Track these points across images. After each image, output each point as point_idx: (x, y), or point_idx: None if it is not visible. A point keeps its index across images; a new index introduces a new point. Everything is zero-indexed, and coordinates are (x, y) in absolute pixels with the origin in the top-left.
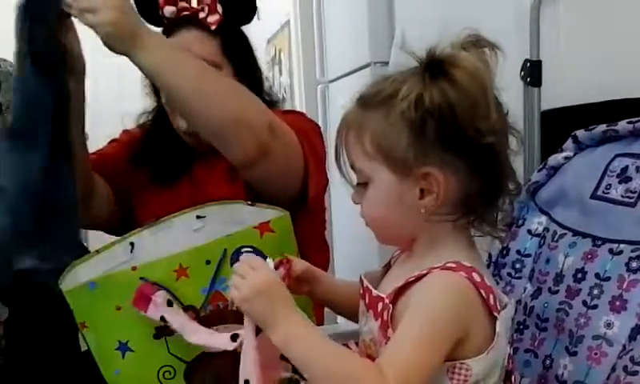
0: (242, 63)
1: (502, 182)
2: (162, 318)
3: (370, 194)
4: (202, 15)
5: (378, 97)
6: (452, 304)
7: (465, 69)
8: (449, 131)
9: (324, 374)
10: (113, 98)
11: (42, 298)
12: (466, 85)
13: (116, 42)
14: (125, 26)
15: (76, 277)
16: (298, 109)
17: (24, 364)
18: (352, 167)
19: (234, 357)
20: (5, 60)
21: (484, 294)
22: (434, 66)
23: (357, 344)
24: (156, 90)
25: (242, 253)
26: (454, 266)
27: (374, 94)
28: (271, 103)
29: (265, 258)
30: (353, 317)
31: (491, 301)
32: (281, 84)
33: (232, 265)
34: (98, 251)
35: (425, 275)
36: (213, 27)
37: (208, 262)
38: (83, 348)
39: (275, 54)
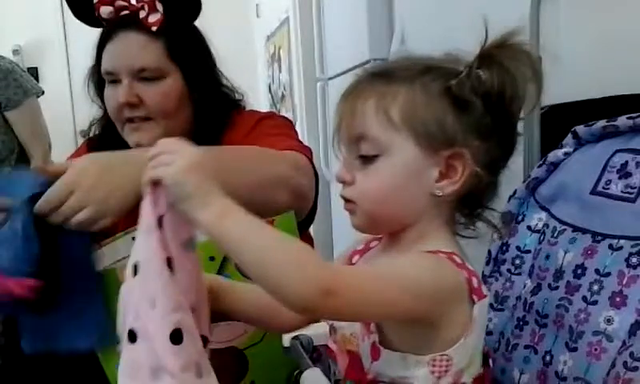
0: (190, 66)
1: (497, 181)
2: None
3: (382, 166)
4: (142, 14)
5: (409, 71)
6: (424, 272)
7: (516, 57)
8: (493, 116)
9: (261, 255)
10: None
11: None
12: (518, 73)
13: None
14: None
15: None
16: (298, 106)
17: (23, 363)
18: (356, 139)
19: (234, 355)
20: (3, 57)
21: (466, 274)
22: (487, 49)
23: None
24: (100, 96)
25: None
26: (432, 250)
27: (401, 67)
28: (234, 103)
29: None
30: (260, 323)
31: (475, 283)
32: (280, 81)
33: (236, 264)
34: (101, 245)
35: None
36: (154, 28)
37: (212, 259)
38: None
39: (275, 51)
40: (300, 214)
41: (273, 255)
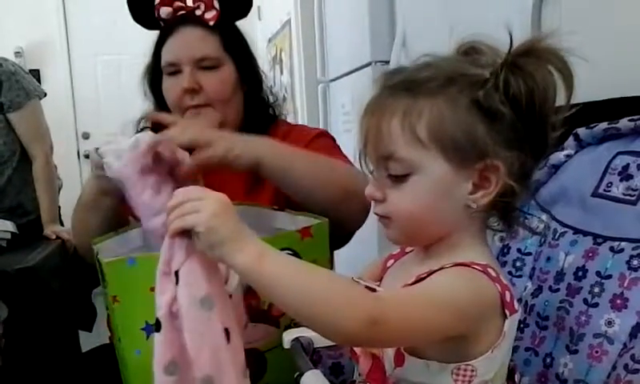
0: (242, 59)
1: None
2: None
3: (414, 184)
4: (198, 12)
5: (432, 82)
6: (462, 291)
7: (544, 61)
8: (525, 124)
9: (306, 293)
10: (113, 97)
11: (41, 298)
12: (546, 79)
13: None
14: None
15: (111, 251)
16: (299, 108)
17: (24, 364)
18: (384, 158)
19: (254, 357)
20: (6, 59)
21: (499, 289)
22: (513, 57)
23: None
24: (154, 92)
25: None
26: (467, 262)
27: (424, 79)
28: (273, 105)
29: None
30: None
31: (507, 298)
32: (282, 83)
33: None
34: (117, 233)
35: (436, 271)
36: (211, 23)
37: None
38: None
39: (276, 53)
40: (352, 228)
41: (318, 293)
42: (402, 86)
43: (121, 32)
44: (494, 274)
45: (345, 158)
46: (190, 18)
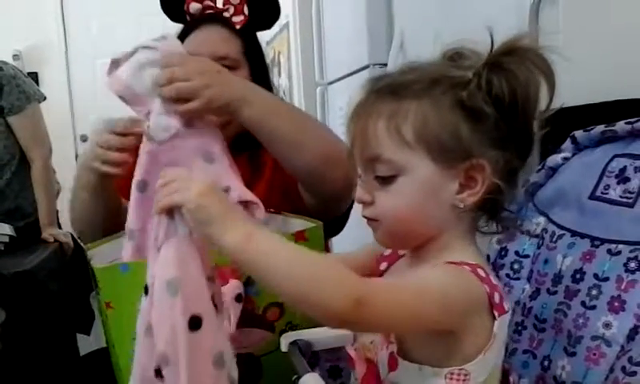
0: (257, 66)
1: (517, 182)
2: (239, 296)
3: (401, 186)
4: (226, 15)
5: (416, 84)
6: (451, 287)
7: (525, 61)
8: (508, 123)
9: (293, 271)
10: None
11: (39, 301)
12: (528, 77)
13: (221, 104)
14: (219, 85)
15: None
16: None
17: (22, 367)
18: (371, 160)
19: (250, 361)
20: (6, 63)
21: (488, 290)
22: (495, 57)
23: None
24: None
25: None
26: (457, 261)
27: (408, 81)
28: None
29: None
30: None
31: (496, 299)
32: (280, 86)
33: None
34: (111, 238)
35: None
36: (238, 27)
37: None
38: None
39: (274, 56)
40: (338, 209)
41: (305, 272)
42: (387, 89)
43: (119, 35)
44: (483, 274)
45: None
46: (217, 18)
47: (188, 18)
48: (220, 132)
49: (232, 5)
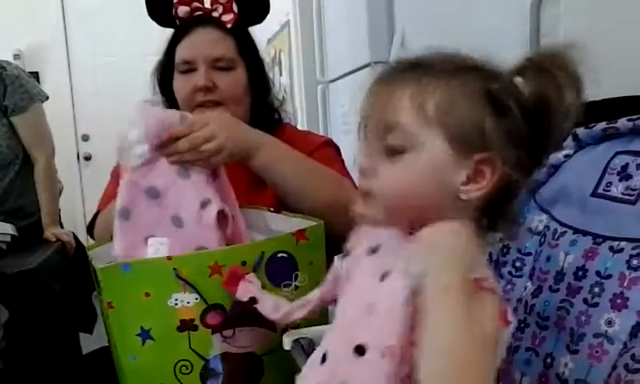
0: (253, 64)
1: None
2: (252, 299)
3: (408, 161)
4: (215, 14)
5: (451, 64)
6: (494, 317)
7: (562, 70)
8: (531, 126)
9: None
10: (112, 99)
11: (42, 300)
12: (564, 87)
13: (239, 152)
14: (238, 136)
15: (106, 257)
16: (298, 109)
17: (24, 366)
18: (386, 127)
19: (251, 360)
20: (9, 63)
21: (503, 308)
22: (534, 61)
23: None
24: (163, 89)
25: (278, 258)
26: (483, 277)
27: (442, 61)
28: (279, 109)
29: (295, 269)
30: None
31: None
32: (281, 84)
33: (267, 270)
34: (111, 238)
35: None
36: (229, 25)
37: (244, 263)
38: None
39: (275, 54)
40: (336, 239)
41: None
42: (416, 63)
43: (120, 34)
44: (500, 291)
45: (344, 170)
46: (206, 19)
47: (177, 21)
48: None
49: (220, 4)
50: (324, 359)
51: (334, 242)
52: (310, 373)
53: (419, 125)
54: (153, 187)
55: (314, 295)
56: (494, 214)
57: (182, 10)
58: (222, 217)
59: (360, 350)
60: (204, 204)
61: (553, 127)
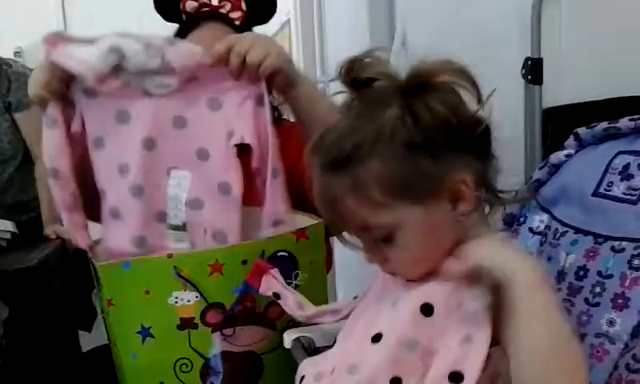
0: None
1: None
2: (275, 295)
3: (402, 239)
4: (222, 11)
5: (360, 150)
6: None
7: (434, 86)
8: (454, 136)
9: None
10: None
11: (42, 297)
12: (448, 96)
13: (291, 69)
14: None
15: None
16: None
17: (24, 364)
18: (363, 229)
19: (251, 359)
20: (16, 61)
21: None
22: (410, 88)
23: None
24: None
25: (279, 257)
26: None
27: (351, 149)
28: (278, 107)
29: (296, 268)
30: None
31: None
32: None
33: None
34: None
35: None
36: (237, 23)
37: (244, 262)
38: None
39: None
40: None
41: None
42: (336, 163)
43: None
44: None
45: None
46: (216, 15)
47: (184, 16)
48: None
49: (228, 1)
50: None
51: None
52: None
53: (382, 212)
54: (180, 117)
55: (350, 304)
56: (493, 193)
57: (190, 4)
58: (246, 152)
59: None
60: (230, 135)
61: (470, 130)
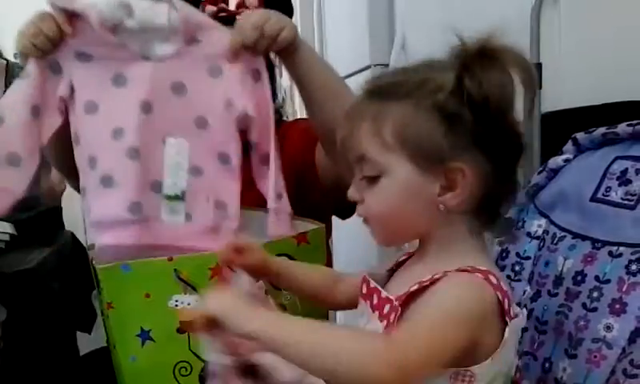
0: (269, 65)
1: (515, 183)
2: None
3: (383, 186)
4: (239, 17)
5: (401, 88)
6: (469, 302)
7: (506, 63)
8: (484, 125)
9: (313, 350)
10: None
11: (41, 299)
12: (506, 79)
13: (292, 37)
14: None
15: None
16: (298, 111)
17: (22, 365)
18: (358, 160)
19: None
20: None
21: (500, 297)
22: (472, 58)
23: None
24: None
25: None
26: (469, 269)
27: (395, 84)
28: (280, 109)
29: None
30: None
31: (506, 305)
32: (281, 86)
33: None
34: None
35: (439, 279)
36: None
37: None
38: (81, 351)
39: (275, 56)
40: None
41: (328, 342)
42: (376, 91)
43: None
44: (494, 280)
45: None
46: (231, 21)
47: None
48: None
49: (246, 8)
50: None
51: None
52: None
53: (382, 152)
54: (180, 83)
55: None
56: (491, 213)
57: (209, 9)
58: (245, 121)
59: None
60: (228, 104)
61: (505, 120)
